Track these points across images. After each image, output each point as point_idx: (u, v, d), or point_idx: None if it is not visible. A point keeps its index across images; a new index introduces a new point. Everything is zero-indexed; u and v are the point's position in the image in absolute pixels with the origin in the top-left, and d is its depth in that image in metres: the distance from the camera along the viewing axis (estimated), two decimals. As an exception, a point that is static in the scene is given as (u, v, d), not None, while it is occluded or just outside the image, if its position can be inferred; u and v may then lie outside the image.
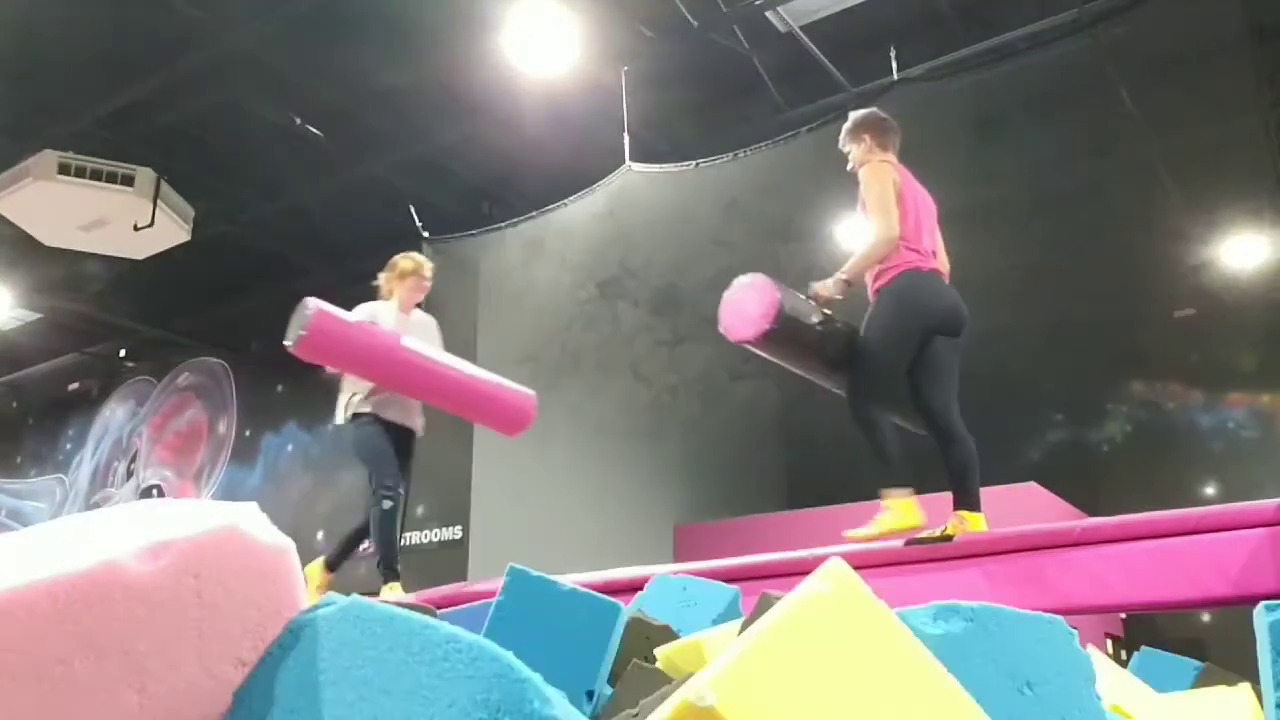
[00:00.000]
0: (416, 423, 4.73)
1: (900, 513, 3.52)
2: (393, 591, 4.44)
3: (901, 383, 3.67)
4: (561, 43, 6.41)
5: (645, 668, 1.41)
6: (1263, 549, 2.74)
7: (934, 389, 3.63)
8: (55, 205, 7.77)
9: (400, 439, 4.65)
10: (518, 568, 1.50)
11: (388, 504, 4.50)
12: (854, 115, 4.02)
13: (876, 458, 3.63)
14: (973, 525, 3.47)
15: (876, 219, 3.69)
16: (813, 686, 0.82)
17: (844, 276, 3.74)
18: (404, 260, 4.89)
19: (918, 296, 3.65)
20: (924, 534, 3.51)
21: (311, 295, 4.28)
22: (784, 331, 3.63)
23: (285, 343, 4.27)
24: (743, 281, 3.74)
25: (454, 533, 8.21)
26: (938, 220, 3.92)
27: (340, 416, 4.70)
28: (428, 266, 4.90)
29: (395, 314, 4.73)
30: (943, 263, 3.85)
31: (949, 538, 3.41)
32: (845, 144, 3.98)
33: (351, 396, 4.63)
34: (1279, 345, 7.53)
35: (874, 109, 4.10)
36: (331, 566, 4.76)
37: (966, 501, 3.53)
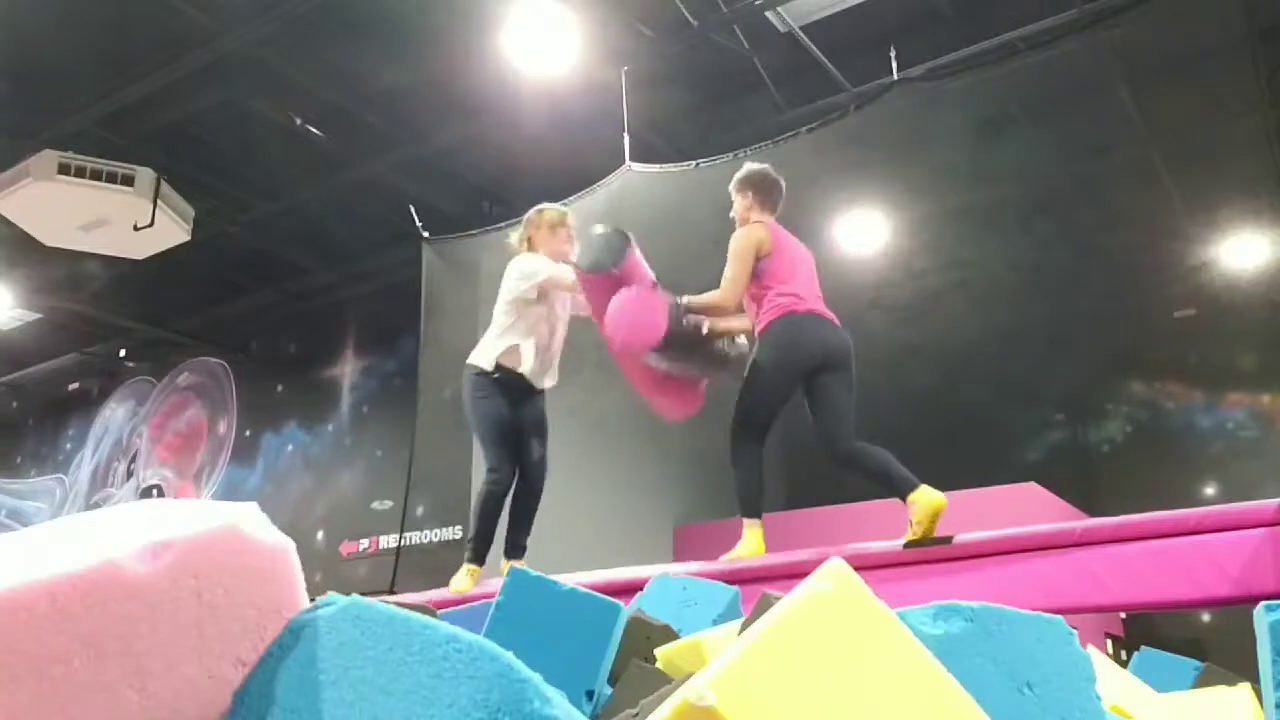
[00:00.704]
0: (548, 380, 4.51)
1: (749, 542, 3.89)
2: (465, 575, 4.35)
3: (774, 418, 3.98)
4: (561, 43, 6.40)
5: (645, 668, 1.41)
6: (1263, 549, 2.74)
7: (830, 425, 3.87)
8: (55, 205, 7.76)
9: (527, 398, 4.42)
10: (518, 568, 1.50)
11: (491, 487, 4.34)
12: (746, 167, 4.29)
13: (740, 491, 3.96)
14: (924, 499, 3.52)
15: (726, 281, 3.98)
16: (813, 686, 0.82)
17: (689, 304, 4.01)
18: (550, 211, 4.55)
19: (790, 342, 3.89)
20: (922, 535, 3.53)
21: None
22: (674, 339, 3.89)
23: (581, 262, 4.01)
24: (627, 295, 3.86)
25: (454, 533, 8.21)
26: (815, 267, 4.18)
27: (485, 361, 4.39)
28: (571, 215, 4.59)
29: None
30: (821, 305, 4.02)
31: (948, 539, 3.41)
32: (733, 194, 4.25)
33: (509, 349, 4.35)
34: (1279, 346, 7.53)
35: (765, 166, 4.31)
36: (507, 553, 4.46)
37: (904, 488, 3.62)
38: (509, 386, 4.37)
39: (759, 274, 4.00)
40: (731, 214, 4.24)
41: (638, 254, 3.97)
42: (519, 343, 4.39)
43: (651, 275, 4.06)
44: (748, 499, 3.97)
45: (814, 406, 3.92)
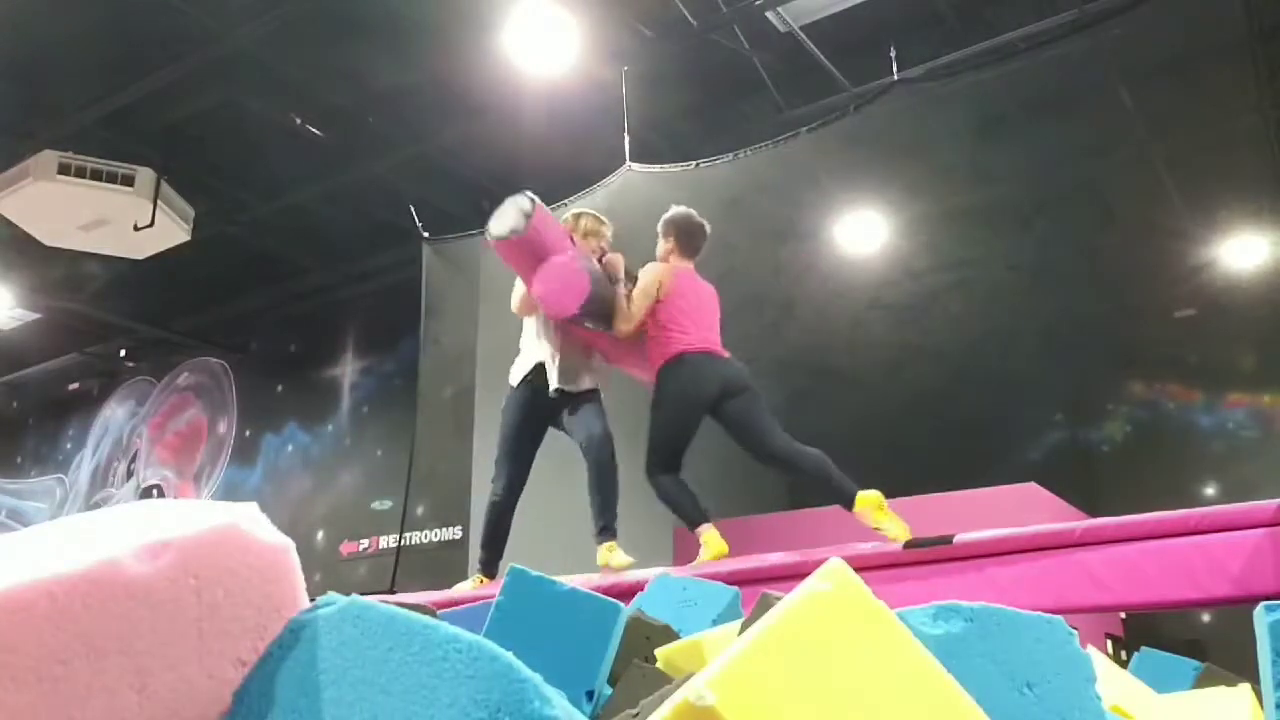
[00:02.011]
0: (583, 381, 4.36)
1: (711, 545, 3.96)
2: (470, 581, 4.37)
3: (683, 448, 4.13)
4: (561, 43, 6.40)
5: (645, 668, 1.41)
6: (1263, 549, 2.74)
7: (758, 441, 4.05)
8: (55, 205, 7.76)
9: (561, 405, 4.31)
10: (518, 568, 1.50)
11: (490, 497, 4.40)
12: (673, 210, 4.44)
13: (677, 513, 4.13)
14: (863, 504, 3.73)
15: (631, 309, 4.21)
16: (812, 686, 0.82)
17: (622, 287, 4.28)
18: (587, 217, 4.54)
19: (687, 377, 4.09)
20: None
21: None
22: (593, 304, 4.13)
23: (497, 233, 4.08)
24: (554, 260, 4.09)
25: (454, 533, 8.21)
26: (718, 307, 4.38)
27: (512, 376, 4.45)
28: (608, 227, 4.55)
29: None
30: (715, 343, 4.23)
31: (948, 539, 3.41)
32: (658, 233, 4.42)
33: (521, 364, 4.40)
34: (1279, 346, 7.53)
35: (690, 211, 4.44)
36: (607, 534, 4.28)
37: (844, 494, 3.80)
38: (535, 394, 4.34)
39: (656, 315, 4.18)
40: (658, 251, 4.39)
41: (546, 213, 4.15)
42: (529, 356, 4.42)
43: (564, 229, 4.29)
44: (688, 515, 4.09)
45: (731, 429, 4.10)
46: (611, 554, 4.13)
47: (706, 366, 4.11)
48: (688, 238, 4.38)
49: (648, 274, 4.28)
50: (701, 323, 4.24)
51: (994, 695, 1.11)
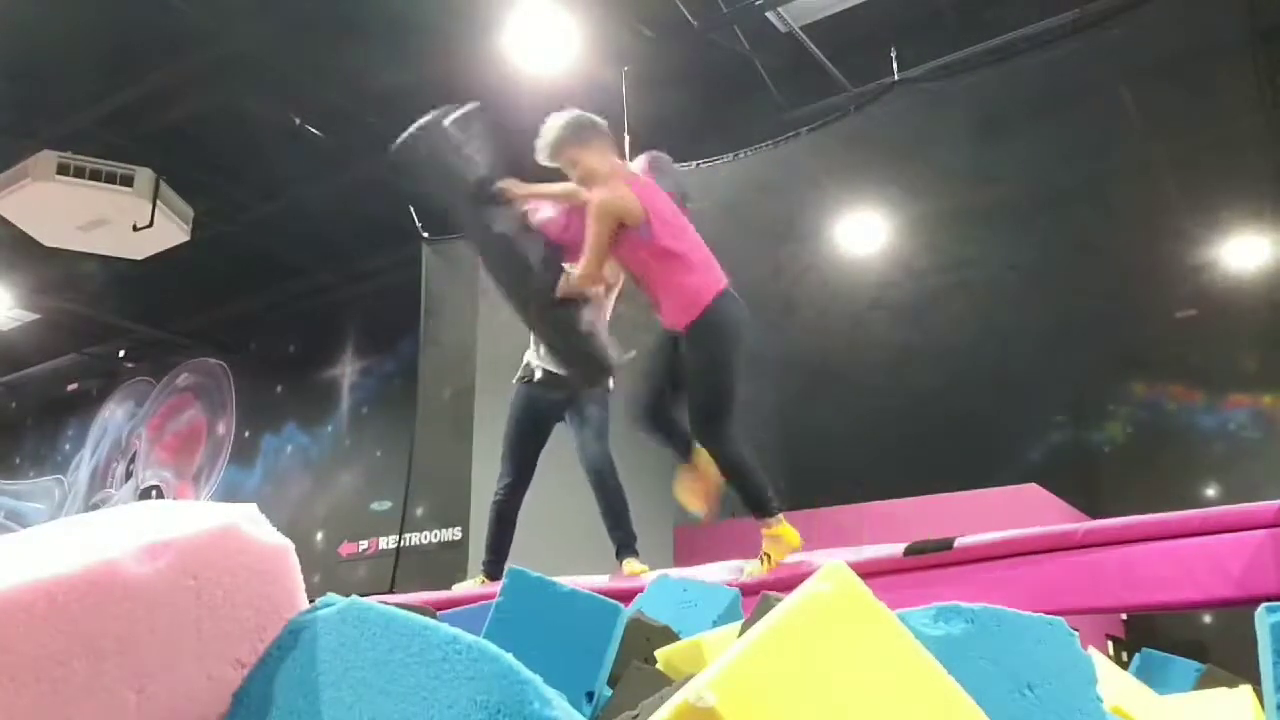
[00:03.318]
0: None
1: (788, 537, 3.47)
2: (472, 580, 4.36)
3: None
4: (561, 43, 6.40)
5: (645, 669, 1.41)
6: (1264, 550, 2.74)
7: (682, 402, 3.56)
8: (54, 205, 7.76)
9: (563, 401, 4.23)
10: (517, 569, 1.50)
11: (494, 497, 4.33)
12: (564, 118, 3.63)
13: (757, 492, 3.50)
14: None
15: (588, 255, 3.47)
16: (813, 687, 0.81)
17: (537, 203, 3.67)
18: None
19: (734, 327, 3.44)
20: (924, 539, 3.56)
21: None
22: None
23: None
24: None
25: (454, 533, 8.20)
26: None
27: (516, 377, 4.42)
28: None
29: None
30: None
31: (949, 543, 3.40)
32: (572, 154, 3.60)
33: (535, 343, 4.31)
34: (1280, 346, 7.53)
35: (577, 113, 3.65)
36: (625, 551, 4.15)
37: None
38: (539, 386, 4.30)
39: (652, 256, 3.39)
40: (588, 167, 3.58)
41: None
42: (527, 353, 4.39)
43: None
44: (767, 495, 3.50)
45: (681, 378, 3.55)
46: (630, 570, 4.09)
47: (739, 310, 3.45)
48: (597, 133, 3.60)
49: (600, 211, 3.39)
50: (701, 245, 3.47)
51: (995, 697, 1.11)
